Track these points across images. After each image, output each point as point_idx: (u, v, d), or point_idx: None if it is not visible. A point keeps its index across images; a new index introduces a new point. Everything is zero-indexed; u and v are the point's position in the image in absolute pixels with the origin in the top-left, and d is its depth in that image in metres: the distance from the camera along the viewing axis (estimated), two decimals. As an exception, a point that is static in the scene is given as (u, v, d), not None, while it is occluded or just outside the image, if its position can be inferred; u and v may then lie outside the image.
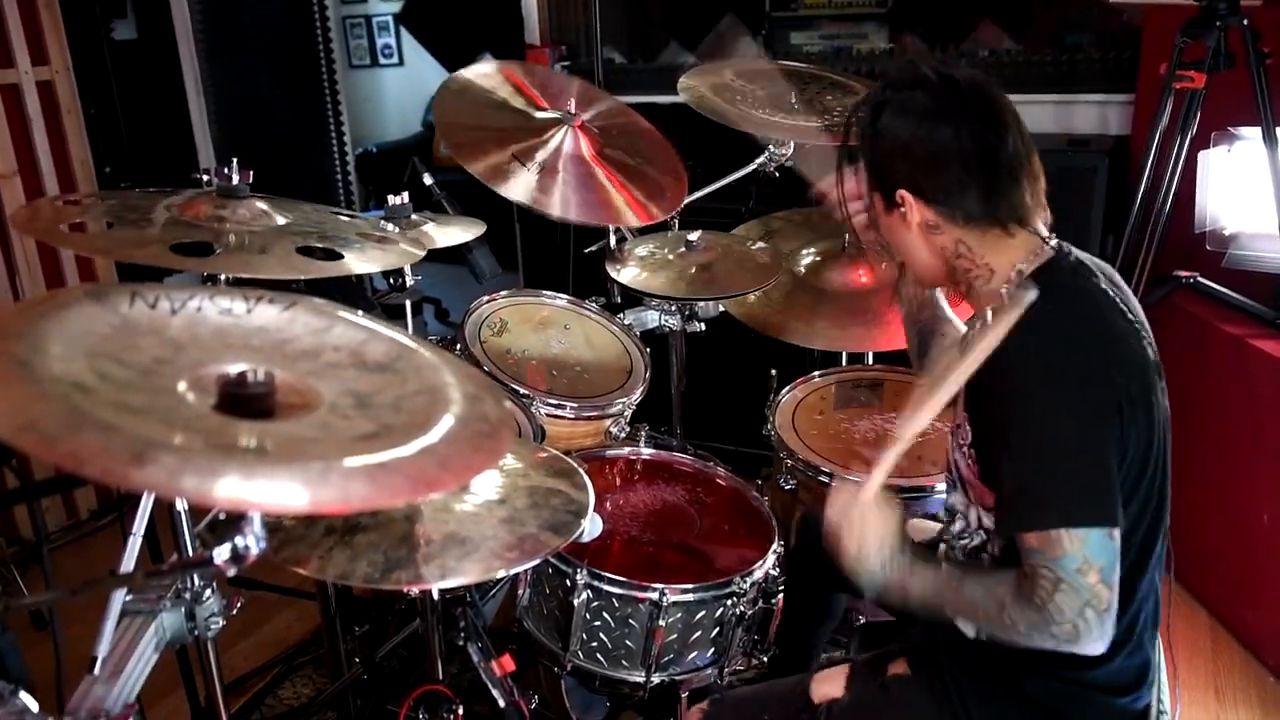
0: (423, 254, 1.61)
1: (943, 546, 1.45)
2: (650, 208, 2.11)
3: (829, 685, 1.39)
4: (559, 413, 1.91)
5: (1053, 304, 1.20)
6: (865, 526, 1.27)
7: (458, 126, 2.04)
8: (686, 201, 2.39)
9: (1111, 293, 1.26)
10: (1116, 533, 1.12)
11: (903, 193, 1.27)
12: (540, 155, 2.07)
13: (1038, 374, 1.17)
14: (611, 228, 2.21)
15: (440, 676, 1.58)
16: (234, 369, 0.84)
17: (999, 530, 1.25)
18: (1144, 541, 1.23)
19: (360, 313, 1.02)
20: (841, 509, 1.30)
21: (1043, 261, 1.25)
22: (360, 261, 1.45)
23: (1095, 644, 1.13)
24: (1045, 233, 1.28)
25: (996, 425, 1.21)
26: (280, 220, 1.49)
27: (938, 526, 1.56)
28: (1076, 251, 1.30)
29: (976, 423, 1.27)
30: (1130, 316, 1.26)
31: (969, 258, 1.28)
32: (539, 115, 2.16)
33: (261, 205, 1.50)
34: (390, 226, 1.74)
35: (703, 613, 1.60)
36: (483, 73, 2.18)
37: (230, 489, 0.67)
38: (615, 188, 2.11)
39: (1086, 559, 1.11)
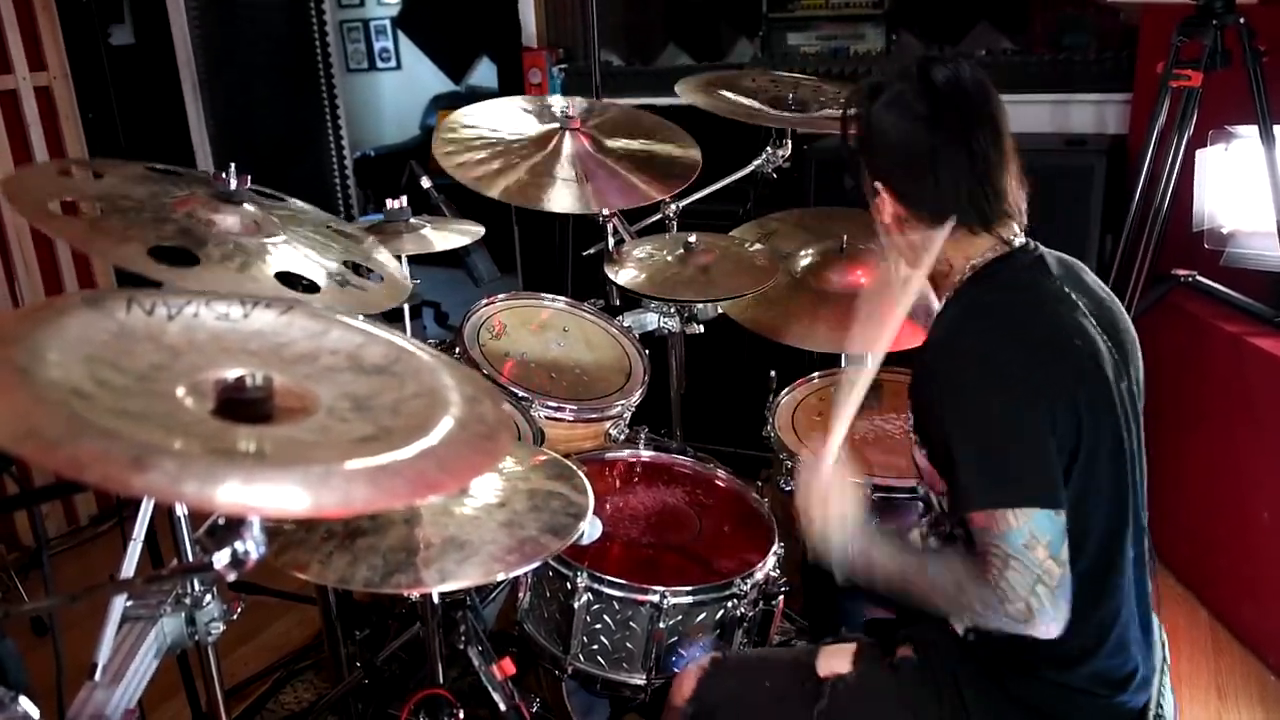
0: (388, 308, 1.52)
1: (915, 534, 1.46)
2: (669, 183, 2.16)
3: (837, 661, 1.38)
4: (558, 415, 1.91)
5: (990, 296, 1.27)
6: (827, 503, 1.31)
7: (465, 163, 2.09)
8: (685, 203, 2.40)
9: (1068, 288, 1.29)
10: (1060, 514, 1.15)
11: (878, 185, 1.32)
12: (554, 159, 2.13)
13: (968, 363, 1.22)
14: (609, 230, 2.22)
15: (441, 680, 1.58)
16: (232, 374, 0.84)
17: (952, 515, 1.30)
18: (1111, 534, 1.24)
19: (358, 316, 1.02)
20: (804, 487, 1.34)
21: (997, 256, 1.29)
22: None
23: (1049, 624, 1.14)
24: (1015, 231, 1.31)
25: (935, 414, 1.25)
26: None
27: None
28: (1044, 250, 1.33)
29: (917, 411, 1.32)
30: (1085, 311, 1.27)
31: (933, 253, 1.30)
32: (537, 129, 2.20)
33: (251, 209, 1.47)
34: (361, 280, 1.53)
35: (703, 615, 1.60)
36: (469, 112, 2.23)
37: (231, 493, 0.67)
38: (626, 171, 2.17)
39: (1032, 534, 1.14)
